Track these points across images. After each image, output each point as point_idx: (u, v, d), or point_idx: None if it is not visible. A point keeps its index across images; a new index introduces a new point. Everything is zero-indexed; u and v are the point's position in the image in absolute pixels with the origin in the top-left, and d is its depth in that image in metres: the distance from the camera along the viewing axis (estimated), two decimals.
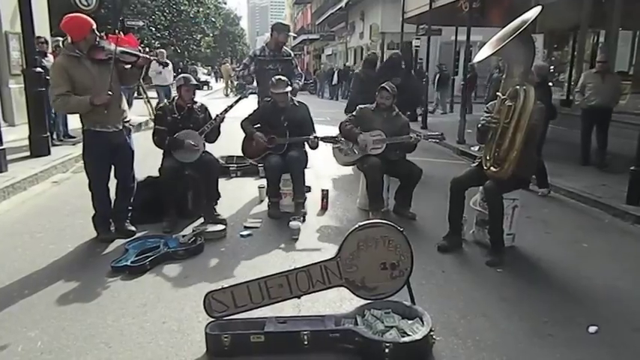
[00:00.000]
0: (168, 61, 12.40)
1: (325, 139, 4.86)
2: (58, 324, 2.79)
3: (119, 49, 3.78)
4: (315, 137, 4.77)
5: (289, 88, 4.81)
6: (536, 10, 3.62)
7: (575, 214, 5.31)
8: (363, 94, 6.98)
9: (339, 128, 4.98)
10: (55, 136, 7.84)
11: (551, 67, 11.06)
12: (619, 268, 3.84)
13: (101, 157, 3.94)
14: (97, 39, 3.77)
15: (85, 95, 3.68)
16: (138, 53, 3.93)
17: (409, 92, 7.58)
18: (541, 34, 9.69)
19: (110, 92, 3.70)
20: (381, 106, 4.85)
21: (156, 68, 11.64)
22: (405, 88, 6.74)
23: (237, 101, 4.75)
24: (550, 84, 7.22)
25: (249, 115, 4.98)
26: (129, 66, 3.94)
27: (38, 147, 6.83)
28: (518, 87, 3.56)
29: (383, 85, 4.87)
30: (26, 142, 6.93)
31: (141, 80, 5.14)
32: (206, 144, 4.53)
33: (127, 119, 4.05)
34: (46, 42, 7.97)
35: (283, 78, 4.83)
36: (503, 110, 3.64)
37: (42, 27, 9.49)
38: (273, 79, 4.81)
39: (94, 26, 3.75)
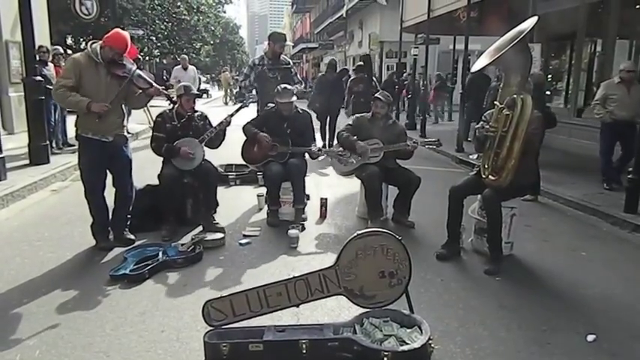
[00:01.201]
0: (188, 65, 11.89)
1: (329, 153, 4.89)
2: (57, 333, 2.79)
3: (137, 72, 3.90)
4: (319, 149, 4.80)
5: (294, 98, 4.84)
6: (533, 20, 3.66)
7: (574, 223, 5.33)
8: (321, 93, 8.98)
9: (337, 138, 5.01)
10: (54, 145, 7.87)
11: (549, 75, 11.12)
12: (617, 277, 3.85)
13: (95, 165, 3.96)
14: (117, 58, 3.82)
15: (85, 98, 3.73)
16: (152, 82, 4.02)
17: (369, 98, 8.21)
18: (539, 43, 9.76)
19: (108, 106, 3.75)
20: (376, 115, 4.89)
21: (176, 75, 11.57)
22: (366, 94, 8.31)
23: (238, 109, 4.77)
24: (548, 92, 7.24)
25: (252, 120, 5.01)
26: (140, 92, 4.00)
27: (37, 155, 6.84)
28: (515, 96, 3.59)
29: (377, 95, 4.94)
30: (25, 151, 6.95)
31: None
32: (205, 152, 4.55)
33: (122, 133, 4.08)
34: (48, 51, 8.01)
35: (289, 87, 4.86)
36: (500, 119, 3.66)
37: (42, 36, 9.56)
38: (278, 87, 4.82)
39: (115, 48, 3.78)
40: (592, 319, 3.12)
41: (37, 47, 7.26)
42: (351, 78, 9.58)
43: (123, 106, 4.09)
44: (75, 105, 3.75)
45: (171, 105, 4.45)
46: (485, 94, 9.75)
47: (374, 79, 9.74)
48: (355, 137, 4.84)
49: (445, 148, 8.91)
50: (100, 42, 3.83)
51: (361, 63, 9.63)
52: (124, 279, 3.46)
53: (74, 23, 17.48)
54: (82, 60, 3.80)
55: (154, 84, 4.03)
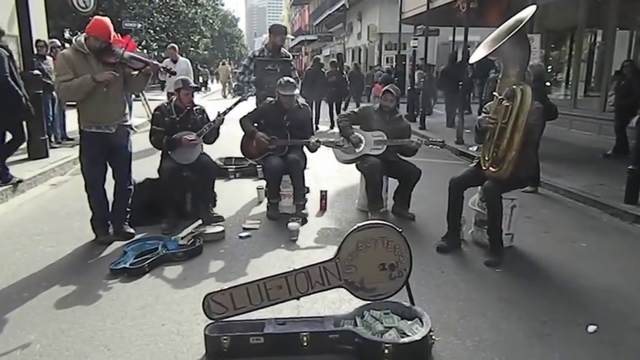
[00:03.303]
0: (178, 56, 9.74)
1: (327, 144, 4.86)
2: (57, 327, 2.79)
3: (127, 53, 3.82)
4: (318, 141, 4.77)
5: (297, 91, 4.81)
6: (531, 9, 3.62)
7: (574, 214, 5.32)
8: (308, 84, 11.25)
9: (337, 123, 5.00)
10: (52, 139, 7.85)
11: (549, 67, 11.10)
12: (617, 268, 3.84)
13: (97, 159, 3.94)
14: (106, 45, 3.76)
15: (86, 75, 3.68)
16: (147, 60, 3.95)
17: (340, 87, 12.48)
18: (538, 34, 9.72)
19: (114, 73, 3.68)
20: (384, 108, 4.86)
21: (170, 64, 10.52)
22: (337, 84, 12.31)
23: (236, 103, 4.75)
24: (548, 83, 7.22)
25: (249, 113, 4.97)
26: (136, 72, 3.95)
27: (36, 150, 6.83)
28: (515, 87, 3.56)
29: (387, 88, 4.91)
30: (24, 145, 6.91)
31: None
32: (203, 146, 4.54)
33: (127, 122, 4.05)
34: (46, 45, 7.97)
35: (292, 80, 4.81)
36: (500, 110, 3.64)
37: (40, 29, 9.50)
38: (281, 80, 4.78)
39: (99, 37, 3.71)
40: (592, 310, 3.12)
41: (34, 41, 7.22)
42: (327, 71, 12.70)
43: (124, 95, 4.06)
44: (80, 86, 3.65)
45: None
46: (458, 85, 9.97)
47: (344, 73, 13.53)
48: (359, 126, 4.82)
49: (445, 141, 8.90)
50: (84, 33, 3.77)
51: (335, 60, 13.48)
52: (124, 273, 3.46)
53: (72, 17, 17.39)
54: (71, 54, 3.75)
55: (150, 61, 3.96)
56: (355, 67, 18.15)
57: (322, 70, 12.29)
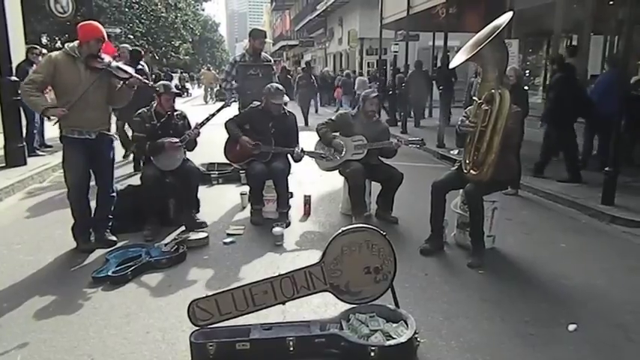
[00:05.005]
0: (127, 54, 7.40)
1: (311, 154, 4.87)
2: (39, 337, 2.74)
3: (115, 63, 3.86)
4: (302, 151, 4.77)
5: (286, 99, 4.78)
6: (508, 15, 3.71)
7: (553, 216, 5.42)
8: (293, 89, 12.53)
9: (317, 131, 5.01)
10: (38, 145, 7.75)
11: (527, 71, 11.30)
12: (596, 267, 3.93)
13: (79, 165, 3.89)
14: (100, 51, 3.81)
15: (64, 95, 3.72)
16: (132, 72, 3.96)
17: (310, 89, 14.71)
18: (516, 39, 9.89)
19: (65, 110, 3.66)
20: (369, 114, 4.88)
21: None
22: (307, 87, 14.50)
23: (219, 109, 4.73)
24: (526, 87, 7.34)
25: (235, 116, 4.95)
26: (120, 84, 3.93)
27: (14, 157, 6.71)
28: (493, 91, 3.63)
29: (373, 94, 4.94)
30: (1, 153, 6.80)
31: None
32: (186, 152, 4.53)
33: (109, 130, 4.03)
34: (42, 53, 7.84)
35: (281, 88, 4.79)
36: (480, 114, 3.70)
37: (17, 35, 9.32)
38: (270, 87, 4.74)
39: (101, 37, 3.77)
40: (573, 309, 3.18)
41: (28, 47, 7.58)
42: (299, 76, 15.08)
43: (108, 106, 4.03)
44: (33, 104, 3.73)
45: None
46: (424, 90, 10.22)
47: (313, 77, 15.43)
48: (338, 133, 4.86)
49: (426, 144, 8.98)
50: (77, 42, 3.77)
51: (304, 66, 16.17)
52: (106, 281, 3.42)
53: (49, 22, 17.15)
54: (59, 57, 3.74)
55: (134, 74, 3.97)
56: (327, 73, 21.44)
57: (289, 76, 15.15)
